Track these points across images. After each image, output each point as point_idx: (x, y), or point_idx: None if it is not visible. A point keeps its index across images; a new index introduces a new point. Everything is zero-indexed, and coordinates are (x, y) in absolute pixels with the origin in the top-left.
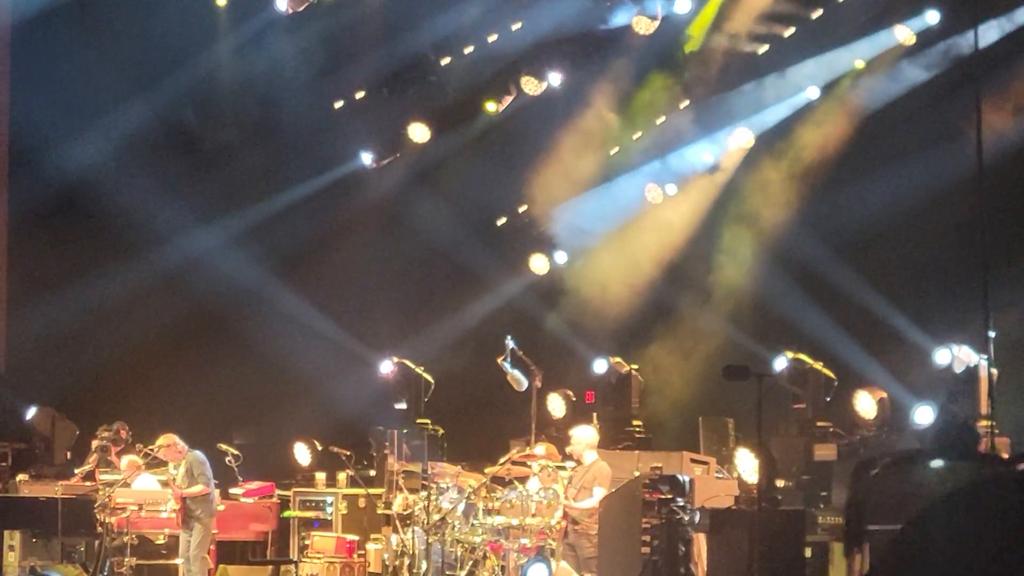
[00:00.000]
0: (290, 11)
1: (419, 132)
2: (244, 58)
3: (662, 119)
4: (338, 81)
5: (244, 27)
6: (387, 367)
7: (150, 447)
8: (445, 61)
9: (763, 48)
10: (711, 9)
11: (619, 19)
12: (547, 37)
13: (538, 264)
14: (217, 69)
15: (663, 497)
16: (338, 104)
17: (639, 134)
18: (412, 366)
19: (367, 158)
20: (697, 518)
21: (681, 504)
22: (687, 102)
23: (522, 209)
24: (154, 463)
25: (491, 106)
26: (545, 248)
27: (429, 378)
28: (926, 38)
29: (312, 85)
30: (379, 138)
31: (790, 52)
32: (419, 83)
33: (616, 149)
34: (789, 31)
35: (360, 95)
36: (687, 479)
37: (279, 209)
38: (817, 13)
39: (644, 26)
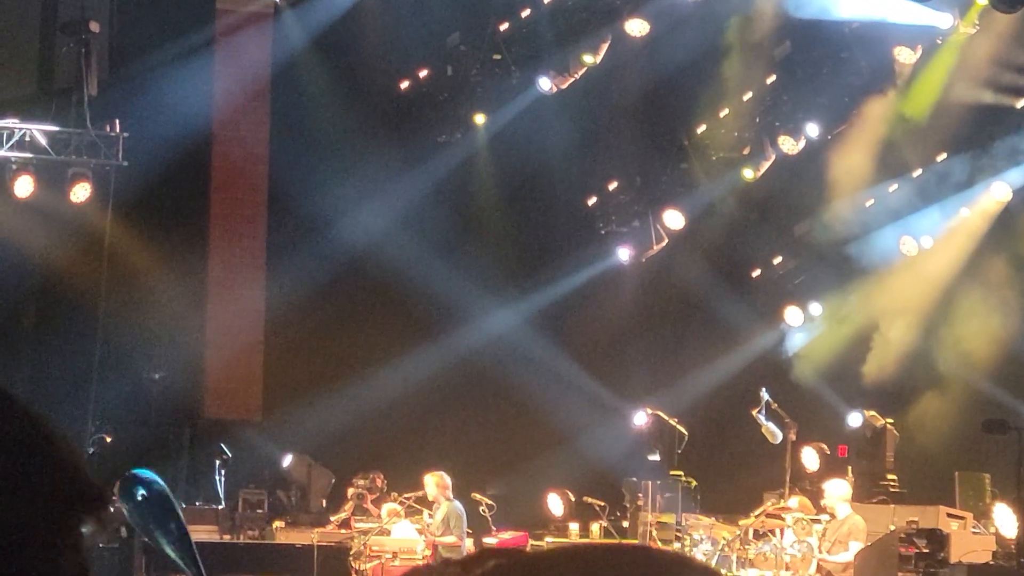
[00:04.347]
0: (554, 90)
1: (674, 219)
2: (505, 138)
3: (918, 172)
4: (593, 169)
5: (508, 106)
6: (641, 418)
7: (407, 494)
8: (700, 129)
9: (1021, 101)
10: (947, 58)
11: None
12: (804, 90)
13: (793, 316)
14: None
15: (920, 551)
16: (591, 200)
17: (895, 186)
18: (666, 417)
19: (624, 254)
20: (955, 573)
21: (939, 559)
22: (944, 154)
23: (777, 260)
24: (411, 511)
25: (748, 173)
26: (800, 300)
27: (683, 430)
28: None
29: (568, 173)
30: (635, 233)
31: None
32: (672, 170)
33: (871, 201)
34: None
35: (613, 185)
36: (945, 533)
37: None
38: None
39: (907, 56)
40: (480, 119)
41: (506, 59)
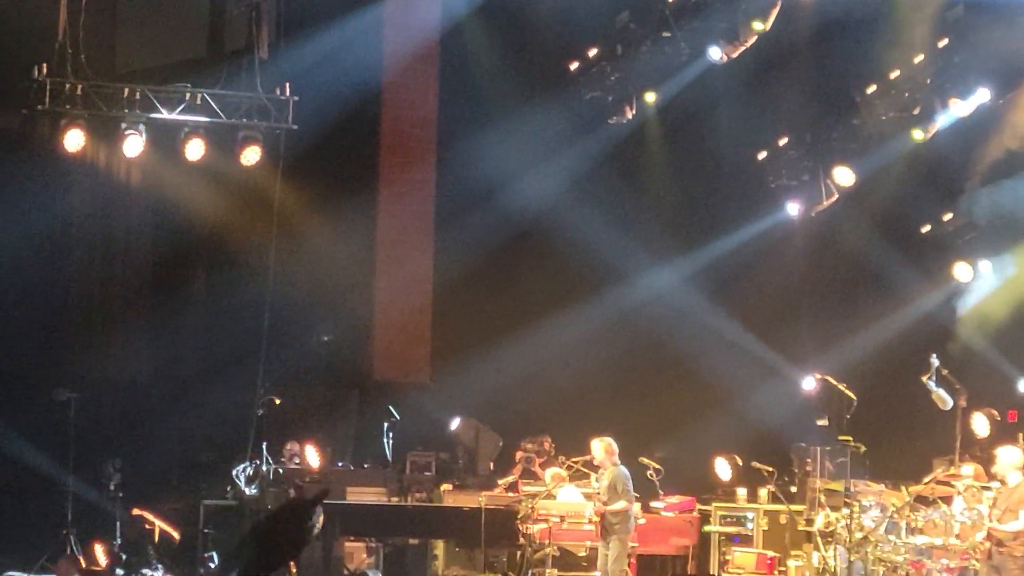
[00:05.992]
0: (724, 59)
1: (844, 176)
2: (675, 104)
3: None
4: (763, 125)
5: (680, 74)
6: (810, 383)
7: (574, 459)
8: (870, 89)
9: None
10: None
11: None
12: (976, 53)
13: (962, 272)
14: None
15: None
16: (761, 155)
17: None
18: (835, 383)
19: (793, 209)
20: None
21: None
22: None
23: (947, 217)
24: (577, 475)
25: (918, 134)
26: (970, 258)
27: (851, 395)
28: None
29: (738, 129)
30: (805, 188)
31: None
32: (843, 127)
33: None
34: None
35: (783, 141)
36: None
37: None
38: None
39: None
40: (651, 98)
41: (675, 35)
